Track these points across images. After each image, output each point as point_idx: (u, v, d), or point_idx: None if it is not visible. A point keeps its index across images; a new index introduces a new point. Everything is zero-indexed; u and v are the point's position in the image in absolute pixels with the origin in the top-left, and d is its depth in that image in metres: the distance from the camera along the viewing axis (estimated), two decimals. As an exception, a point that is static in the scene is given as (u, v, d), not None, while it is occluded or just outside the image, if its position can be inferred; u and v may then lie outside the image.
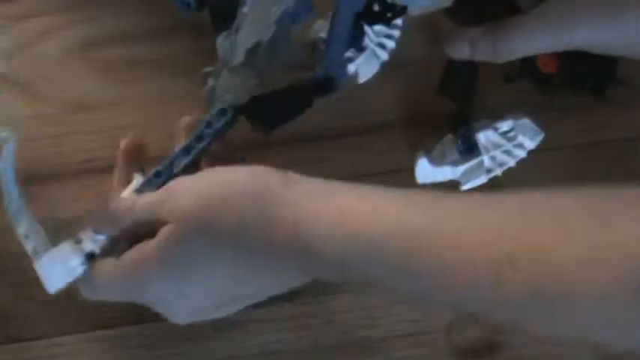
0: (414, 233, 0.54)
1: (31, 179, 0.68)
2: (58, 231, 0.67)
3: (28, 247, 0.63)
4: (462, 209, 0.55)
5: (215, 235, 0.58)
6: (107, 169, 0.70)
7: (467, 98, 0.72)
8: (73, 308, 0.67)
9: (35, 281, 0.63)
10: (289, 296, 0.66)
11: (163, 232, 0.59)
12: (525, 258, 0.50)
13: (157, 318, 0.63)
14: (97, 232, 0.63)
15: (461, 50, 0.68)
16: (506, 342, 0.68)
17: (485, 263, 0.51)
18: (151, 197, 0.62)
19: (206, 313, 0.63)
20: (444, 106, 0.72)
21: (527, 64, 0.72)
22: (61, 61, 0.76)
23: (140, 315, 0.64)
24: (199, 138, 0.65)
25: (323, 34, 0.70)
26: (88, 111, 0.74)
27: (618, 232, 0.48)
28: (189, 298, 0.60)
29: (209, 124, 0.65)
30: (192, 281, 0.59)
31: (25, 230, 0.64)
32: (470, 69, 0.70)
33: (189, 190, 0.60)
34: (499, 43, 0.66)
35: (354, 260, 0.55)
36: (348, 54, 0.72)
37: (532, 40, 0.66)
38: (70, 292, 0.63)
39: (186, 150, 0.65)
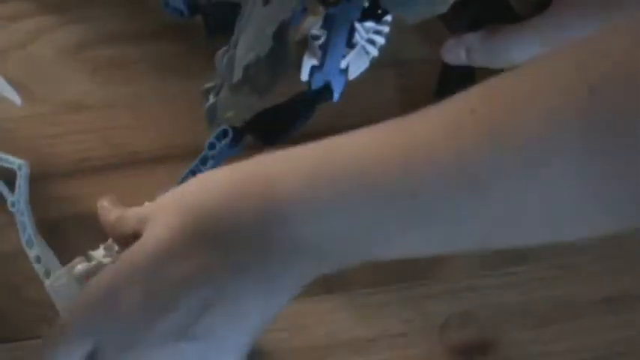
0: None
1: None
2: (53, 231, 0.67)
3: (40, 270, 0.64)
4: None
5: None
6: (101, 169, 0.71)
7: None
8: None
9: (30, 282, 0.63)
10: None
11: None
12: (487, 102, 0.50)
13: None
14: (107, 249, 0.62)
15: (457, 56, 0.68)
16: (500, 342, 0.69)
17: (446, 115, 0.51)
18: (142, 207, 0.59)
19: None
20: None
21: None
22: (54, 61, 0.76)
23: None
24: (204, 160, 0.65)
25: (315, 30, 0.70)
26: (82, 111, 0.74)
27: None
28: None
29: (212, 146, 0.66)
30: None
31: (37, 254, 0.65)
32: (467, 71, 0.70)
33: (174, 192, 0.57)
34: (496, 51, 0.66)
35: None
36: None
37: (529, 48, 0.65)
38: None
39: (193, 173, 0.65)
